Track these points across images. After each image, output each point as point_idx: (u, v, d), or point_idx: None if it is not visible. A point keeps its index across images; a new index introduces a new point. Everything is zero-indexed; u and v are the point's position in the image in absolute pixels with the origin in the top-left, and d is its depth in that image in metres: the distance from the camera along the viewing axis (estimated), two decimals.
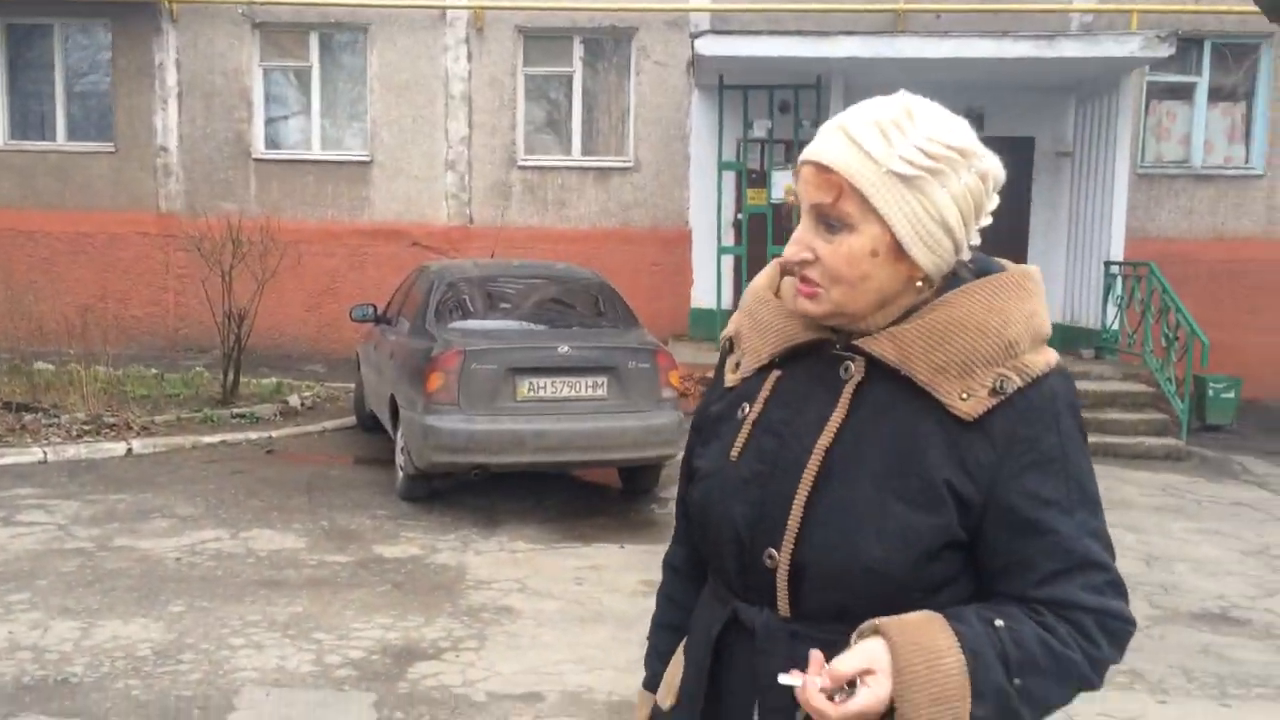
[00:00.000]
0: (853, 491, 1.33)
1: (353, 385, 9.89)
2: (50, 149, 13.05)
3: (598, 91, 13.17)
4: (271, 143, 13.21)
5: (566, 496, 7.42)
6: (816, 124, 11.34)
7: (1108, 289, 11.37)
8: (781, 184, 11.61)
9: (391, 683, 4.29)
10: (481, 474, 6.78)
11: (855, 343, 1.37)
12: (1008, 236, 12.59)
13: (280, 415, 9.62)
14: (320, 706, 4.07)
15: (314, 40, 12.96)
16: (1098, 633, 1.31)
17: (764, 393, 1.43)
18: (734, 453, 1.42)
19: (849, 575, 1.31)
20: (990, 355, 1.31)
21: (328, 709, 4.05)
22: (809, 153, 1.34)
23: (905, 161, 1.29)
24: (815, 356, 1.41)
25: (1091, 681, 1.33)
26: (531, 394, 6.65)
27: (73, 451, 8.00)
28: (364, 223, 12.91)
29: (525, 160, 12.90)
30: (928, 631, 1.26)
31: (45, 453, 7.89)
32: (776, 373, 1.44)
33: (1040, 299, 1.38)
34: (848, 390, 1.37)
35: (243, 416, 9.35)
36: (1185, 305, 10.27)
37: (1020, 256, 12.64)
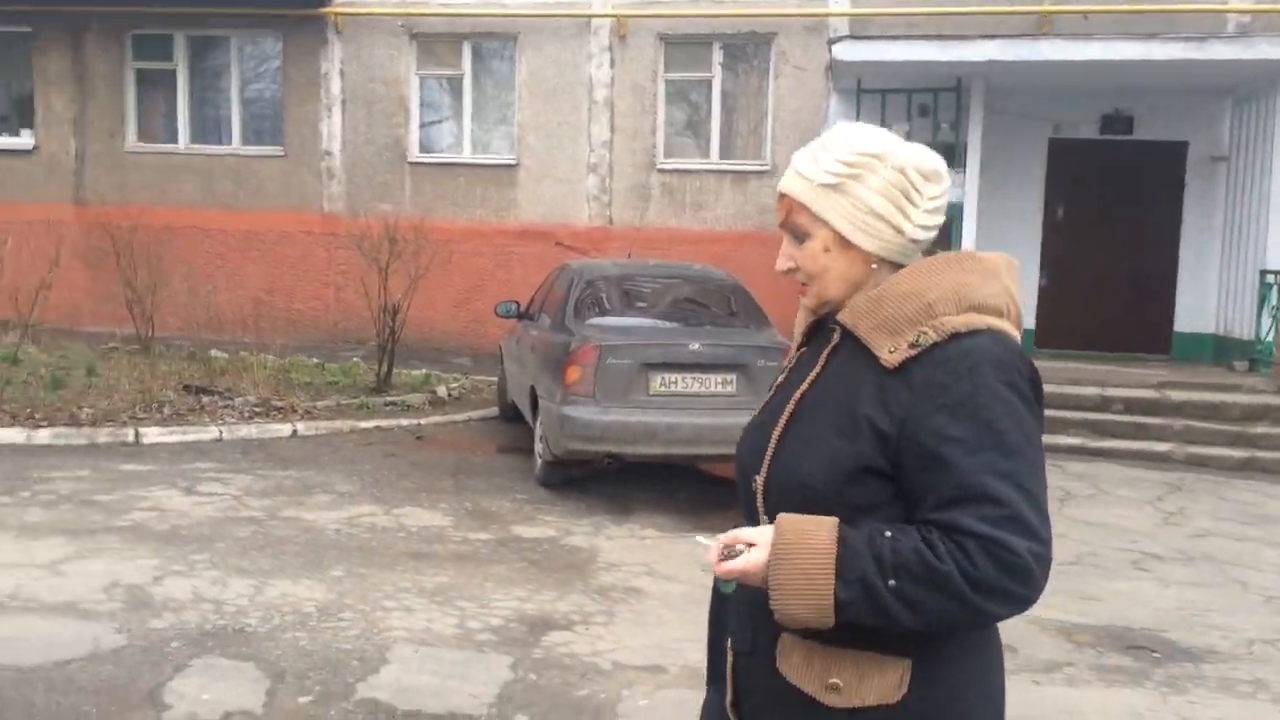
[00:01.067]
0: (807, 426, 1.66)
1: (496, 378, 10.40)
2: (226, 152, 14.06)
3: (736, 96, 13.42)
4: (426, 147, 13.91)
5: (696, 489, 7.71)
6: (955, 127, 11.46)
7: (1263, 299, 10.96)
8: None
9: (526, 648, 4.66)
10: (614, 463, 7.12)
11: (836, 316, 1.71)
12: (1156, 243, 12.29)
13: (429, 404, 10.21)
14: (462, 665, 4.46)
15: (467, 49, 13.61)
16: (980, 556, 1.48)
17: (789, 364, 1.81)
18: (759, 410, 1.79)
19: (791, 490, 1.64)
20: (912, 316, 1.60)
21: (469, 667, 4.44)
22: (779, 186, 1.73)
23: (828, 173, 1.65)
24: (821, 333, 1.76)
25: (975, 600, 1.49)
26: (663, 388, 6.96)
27: (244, 431, 8.72)
28: (510, 223, 13.48)
29: (664, 163, 13.25)
30: (812, 522, 1.56)
31: (221, 432, 8.62)
32: (802, 349, 1.80)
33: (979, 274, 1.65)
34: (825, 353, 1.72)
35: (395, 405, 9.97)
36: None
37: (1170, 263, 12.35)
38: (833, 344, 1.71)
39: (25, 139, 14.26)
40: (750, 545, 1.60)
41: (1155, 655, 4.88)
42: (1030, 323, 12.67)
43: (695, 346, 7.05)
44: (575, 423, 6.90)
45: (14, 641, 4.50)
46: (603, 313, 7.71)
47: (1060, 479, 8.41)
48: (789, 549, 1.55)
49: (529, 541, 6.24)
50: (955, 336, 1.57)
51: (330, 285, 13.78)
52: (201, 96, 14.33)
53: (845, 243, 1.67)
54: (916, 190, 1.65)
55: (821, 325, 1.78)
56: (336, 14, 13.48)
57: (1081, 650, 4.93)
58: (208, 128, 14.33)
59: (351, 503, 6.89)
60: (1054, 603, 5.53)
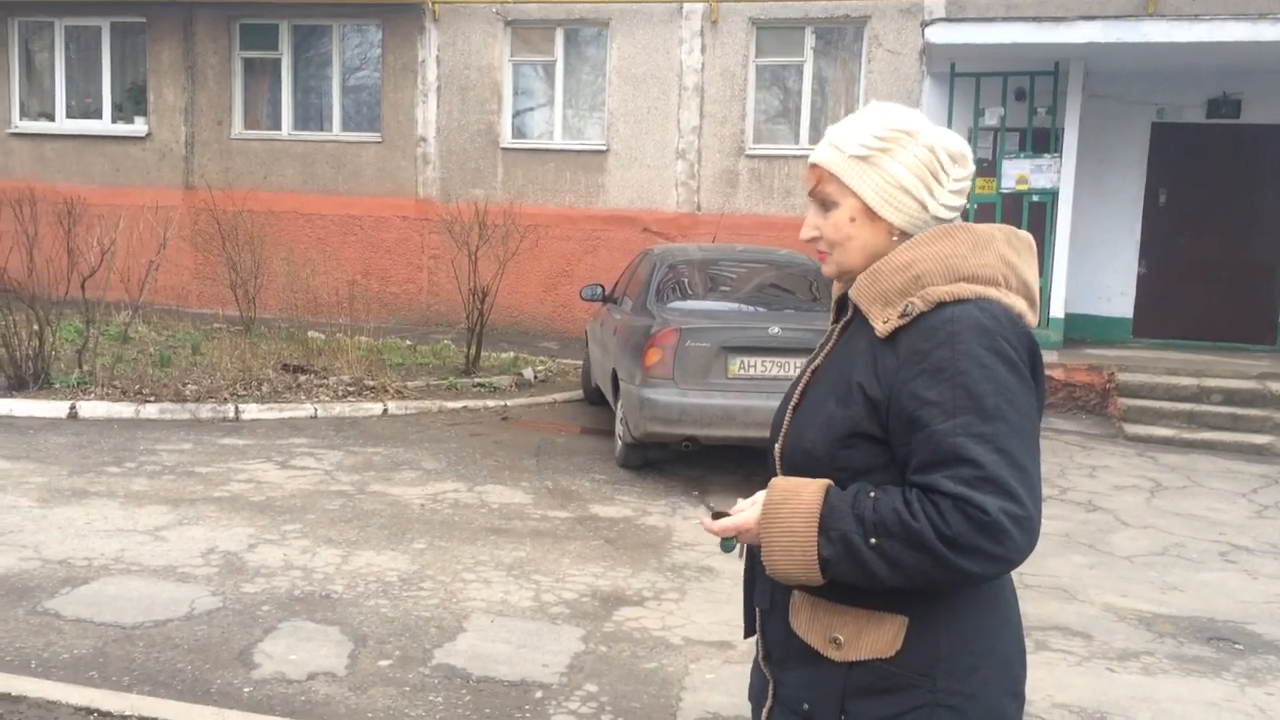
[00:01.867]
0: (815, 396, 1.77)
1: (581, 362, 10.55)
2: (327, 139, 14.47)
3: (828, 80, 13.31)
4: (518, 132, 14.12)
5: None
6: (1052, 112, 11.19)
7: None
8: (1013, 173, 11.40)
9: (599, 622, 4.77)
10: (692, 446, 7.18)
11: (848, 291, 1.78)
12: (1263, 230, 11.83)
13: (516, 386, 10.41)
14: (536, 635, 4.59)
15: (559, 36, 13.76)
16: (953, 514, 1.53)
17: (819, 340, 1.88)
18: (797, 371, 1.90)
19: (796, 456, 1.74)
20: (903, 287, 1.68)
21: (542, 638, 4.57)
22: (810, 157, 1.80)
23: (861, 145, 1.72)
24: (843, 308, 1.83)
25: (950, 558, 1.54)
26: (742, 372, 7.00)
27: (338, 409, 9.02)
28: (599, 209, 13.61)
29: (753, 149, 13.22)
30: (800, 484, 1.67)
31: (315, 409, 8.94)
32: (833, 325, 1.86)
33: (969, 245, 1.69)
34: (839, 326, 1.82)
35: (483, 386, 10.19)
36: None
37: (1277, 251, 11.87)
38: (846, 318, 1.80)
39: (139, 126, 14.89)
40: (741, 508, 1.76)
41: (1238, 647, 4.78)
42: (1128, 311, 12.36)
43: (775, 330, 7.06)
44: (654, 405, 6.98)
45: (117, 601, 4.78)
46: (684, 296, 7.78)
47: (1152, 470, 8.22)
48: (776, 509, 1.66)
49: (606, 520, 6.36)
50: (940, 305, 1.63)
51: (423, 269, 14.11)
52: (304, 84, 14.76)
53: (871, 214, 1.73)
54: (944, 170, 1.72)
55: (846, 300, 1.85)
56: (434, 2, 13.75)
57: (1161, 640, 4.84)
58: (310, 115, 14.76)
59: (437, 479, 7.09)
60: (1134, 592, 5.45)
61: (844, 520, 1.60)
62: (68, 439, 7.74)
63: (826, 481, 1.66)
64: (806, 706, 1.72)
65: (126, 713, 3.74)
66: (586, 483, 7.20)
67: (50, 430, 7.99)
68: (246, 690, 4.00)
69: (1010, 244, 1.73)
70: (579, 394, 10.17)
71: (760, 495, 1.73)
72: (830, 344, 1.81)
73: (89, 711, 3.75)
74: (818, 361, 1.81)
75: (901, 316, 1.65)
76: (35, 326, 8.86)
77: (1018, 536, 1.54)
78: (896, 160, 1.71)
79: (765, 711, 1.84)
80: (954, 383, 1.58)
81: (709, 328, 7.12)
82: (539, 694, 4.05)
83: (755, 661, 1.93)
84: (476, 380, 10.28)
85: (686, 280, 8.00)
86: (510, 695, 4.03)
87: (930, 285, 1.65)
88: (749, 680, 2.00)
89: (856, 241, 1.75)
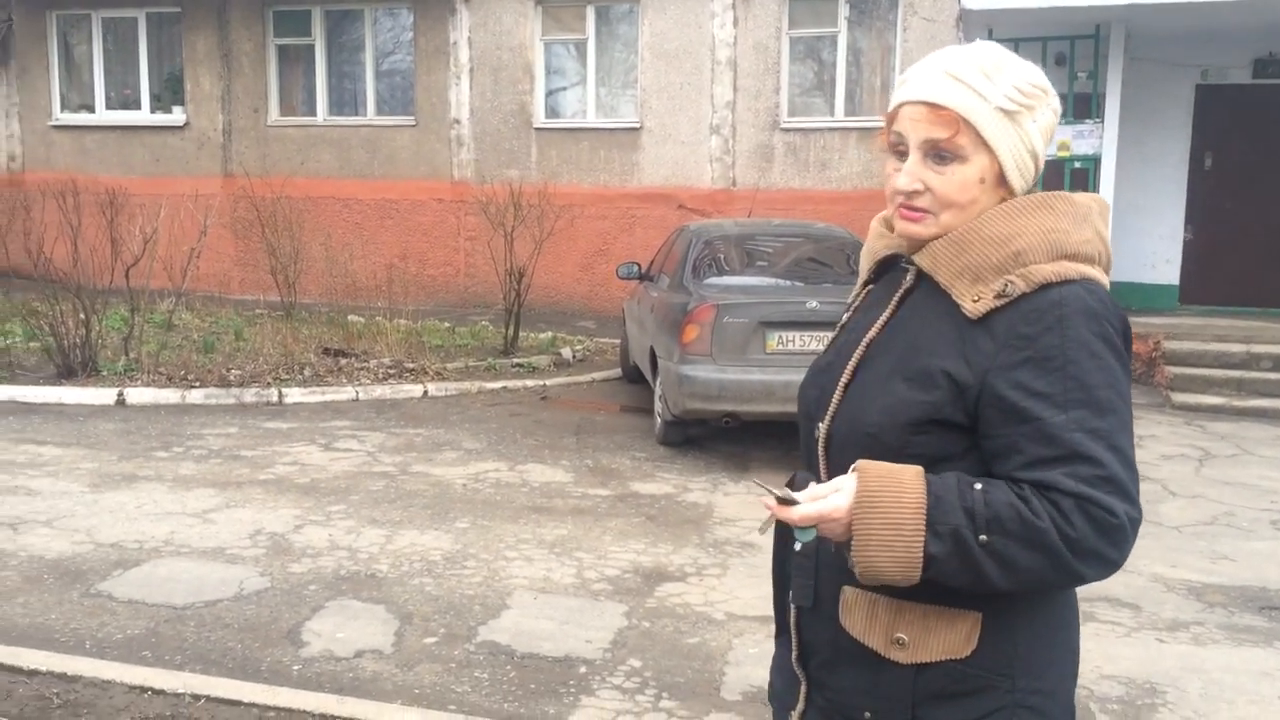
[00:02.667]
0: (875, 374, 1.58)
1: (619, 340, 10.55)
2: (361, 123, 14.54)
3: (863, 51, 13.15)
4: (551, 112, 14.10)
5: None
6: (1093, 76, 10.99)
7: None
8: (1055, 140, 11.21)
9: (641, 598, 4.79)
10: (732, 422, 7.16)
11: (911, 256, 1.62)
12: None
13: (554, 366, 10.44)
14: (578, 611, 4.62)
15: (590, 13, 13.69)
16: (1076, 515, 1.41)
17: (856, 302, 1.73)
18: (822, 350, 1.74)
19: (855, 440, 1.56)
20: (999, 263, 1.51)
21: (585, 614, 4.59)
22: (917, 94, 1.55)
23: (1008, 99, 1.52)
24: (895, 270, 1.68)
25: (1069, 561, 1.42)
26: (780, 347, 6.97)
27: (379, 391, 9.09)
28: (633, 187, 13.57)
29: (788, 122, 13.11)
30: (899, 471, 1.48)
31: (357, 392, 9.02)
32: (870, 286, 1.72)
33: (1071, 218, 1.54)
34: (898, 295, 1.63)
35: (521, 366, 10.22)
36: None
37: None
38: (906, 286, 1.62)
39: (177, 116, 15.04)
40: (821, 495, 1.51)
41: None
42: (1174, 278, 12.15)
43: (813, 305, 7.01)
44: (693, 382, 6.97)
45: (168, 582, 4.86)
46: (721, 272, 7.74)
47: (1201, 439, 8.09)
48: (875, 498, 1.46)
49: (647, 498, 6.37)
50: (1045, 287, 1.48)
51: (460, 251, 14.16)
52: (338, 70, 14.82)
53: (1001, 177, 1.55)
54: (1052, 137, 1.58)
55: (891, 262, 1.69)
56: None
57: (1211, 610, 4.78)
58: (344, 100, 14.83)
59: (478, 459, 7.13)
60: (1183, 562, 5.38)
61: (954, 514, 1.43)
62: (116, 425, 7.87)
63: (921, 469, 1.48)
64: (869, 714, 1.57)
65: (180, 690, 3.81)
66: (627, 460, 7.21)
67: (99, 417, 8.13)
68: (296, 668, 4.05)
69: (1102, 216, 1.58)
70: (617, 372, 10.17)
71: (842, 481, 1.51)
72: (888, 315, 1.61)
73: (143, 690, 3.82)
74: (872, 333, 1.61)
75: (998, 296, 1.49)
76: (82, 315, 9.00)
77: (1132, 540, 1.44)
78: (1034, 121, 1.54)
79: (796, 715, 1.70)
80: (1065, 373, 1.44)
81: (746, 303, 7.08)
82: (583, 669, 4.07)
83: (776, 662, 1.80)
84: (515, 361, 10.32)
85: (723, 256, 7.96)
86: (554, 671, 4.06)
87: (1032, 263, 1.49)
88: (768, 680, 1.85)
89: (978, 206, 1.55)
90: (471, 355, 10.56)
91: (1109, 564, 1.44)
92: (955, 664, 1.52)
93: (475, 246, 13.58)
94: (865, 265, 1.75)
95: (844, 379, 1.61)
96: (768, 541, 1.83)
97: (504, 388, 9.48)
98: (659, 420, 7.66)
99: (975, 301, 1.50)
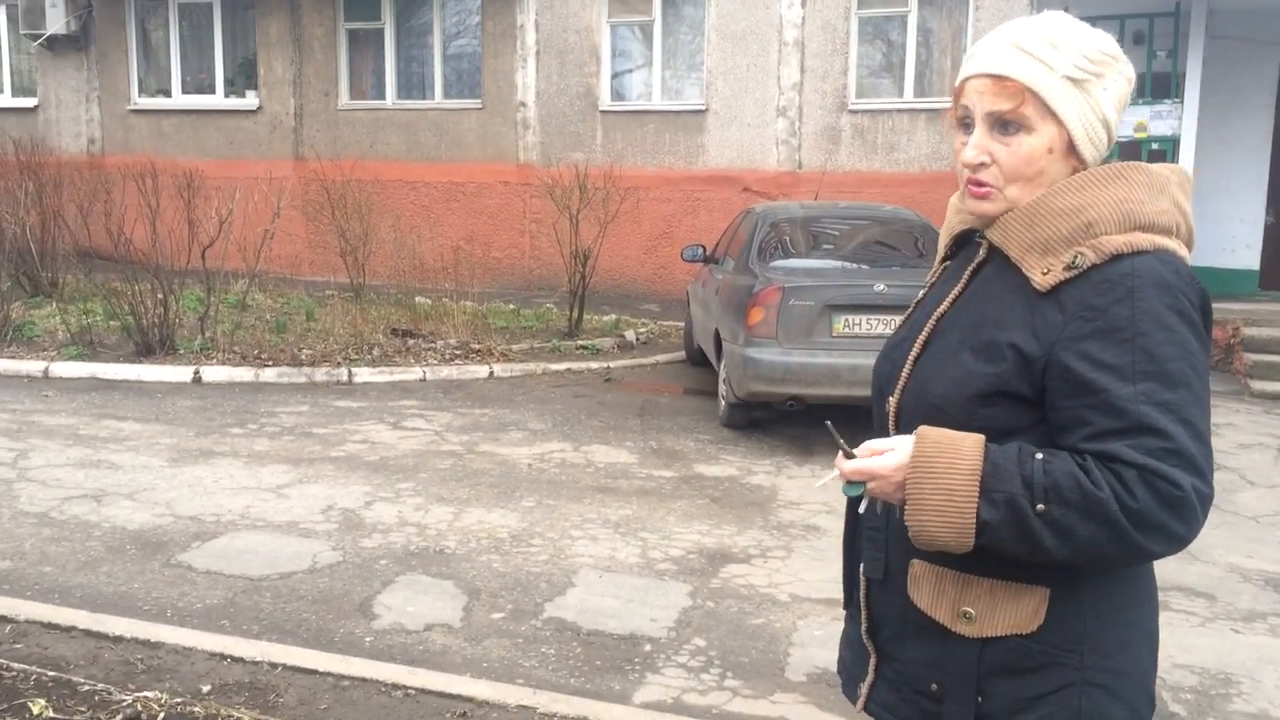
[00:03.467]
0: (944, 347, 1.59)
1: (683, 323, 10.55)
2: (429, 107, 14.68)
3: (933, 31, 12.94)
4: (617, 95, 14.09)
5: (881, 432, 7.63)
6: (1173, 55, 10.72)
7: None
8: (1132, 120, 10.95)
9: (705, 578, 4.81)
10: (796, 405, 7.13)
11: (984, 231, 1.61)
12: None
13: (618, 348, 10.48)
14: (643, 590, 4.66)
15: None
16: (1139, 486, 1.39)
17: (932, 278, 1.74)
18: (898, 324, 1.74)
19: (922, 411, 1.57)
20: (1069, 235, 1.50)
21: (649, 593, 4.63)
22: (982, 67, 1.54)
23: (1076, 67, 1.50)
24: (970, 246, 1.67)
25: (1130, 534, 1.40)
26: (846, 330, 6.92)
27: (446, 372, 9.21)
28: (699, 169, 13.53)
29: (855, 104, 12.96)
30: (957, 437, 1.48)
31: (424, 372, 9.15)
32: (947, 263, 1.73)
33: (1146, 189, 1.51)
34: (970, 269, 1.64)
35: (585, 348, 10.28)
36: None
37: None
38: (978, 260, 1.62)
39: (250, 100, 15.32)
40: (878, 451, 1.55)
41: None
42: (1254, 263, 11.82)
43: (880, 288, 6.96)
44: (758, 364, 6.96)
45: (245, 555, 5.00)
46: (786, 255, 7.70)
47: (1279, 428, 7.88)
48: (930, 462, 1.47)
49: (711, 480, 6.38)
50: (1116, 258, 1.46)
51: (525, 234, 14.25)
52: (406, 54, 14.97)
53: (1070, 147, 1.53)
54: (1126, 106, 1.55)
55: (967, 238, 1.69)
56: None
57: None
58: (412, 83, 14.97)
59: (543, 440, 7.20)
60: (1260, 552, 5.26)
61: (1010, 481, 1.43)
62: (193, 402, 8.08)
63: (981, 437, 1.48)
64: (935, 687, 1.58)
65: (257, 659, 3.92)
66: (690, 442, 7.23)
67: (176, 394, 8.36)
68: (368, 640, 4.15)
69: (1182, 187, 1.55)
70: (681, 355, 10.18)
71: (900, 440, 1.53)
72: (959, 289, 1.62)
73: (222, 657, 3.94)
74: (943, 308, 1.62)
75: (1068, 269, 1.48)
76: (160, 295, 9.24)
77: (1201, 516, 1.41)
78: (1105, 90, 1.51)
79: (866, 687, 1.71)
80: (1134, 345, 1.42)
81: (812, 286, 7.05)
82: (648, 647, 4.11)
83: (846, 635, 1.81)
84: (579, 343, 10.38)
85: (789, 238, 7.92)
86: (620, 648, 4.10)
87: (1103, 234, 1.48)
88: (838, 654, 1.86)
89: (1047, 177, 1.53)
90: (536, 337, 10.65)
91: (1175, 539, 1.41)
92: (1021, 639, 1.52)
93: (540, 229, 13.66)
94: (943, 241, 1.76)
95: (914, 352, 1.62)
96: (832, 526, 1.86)
97: (568, 369, 9.54)
98: (723, 403, 7.66)
99: (1045, 274, 1.49)
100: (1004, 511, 1.43)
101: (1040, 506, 1.41)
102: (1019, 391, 1.50)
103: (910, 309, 1.75)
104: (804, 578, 4.84)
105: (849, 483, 1.56)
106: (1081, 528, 1.41)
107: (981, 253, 1.63)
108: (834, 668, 1.90)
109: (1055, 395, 1.47)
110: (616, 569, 4.90)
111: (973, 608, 1.54)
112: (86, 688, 3.62)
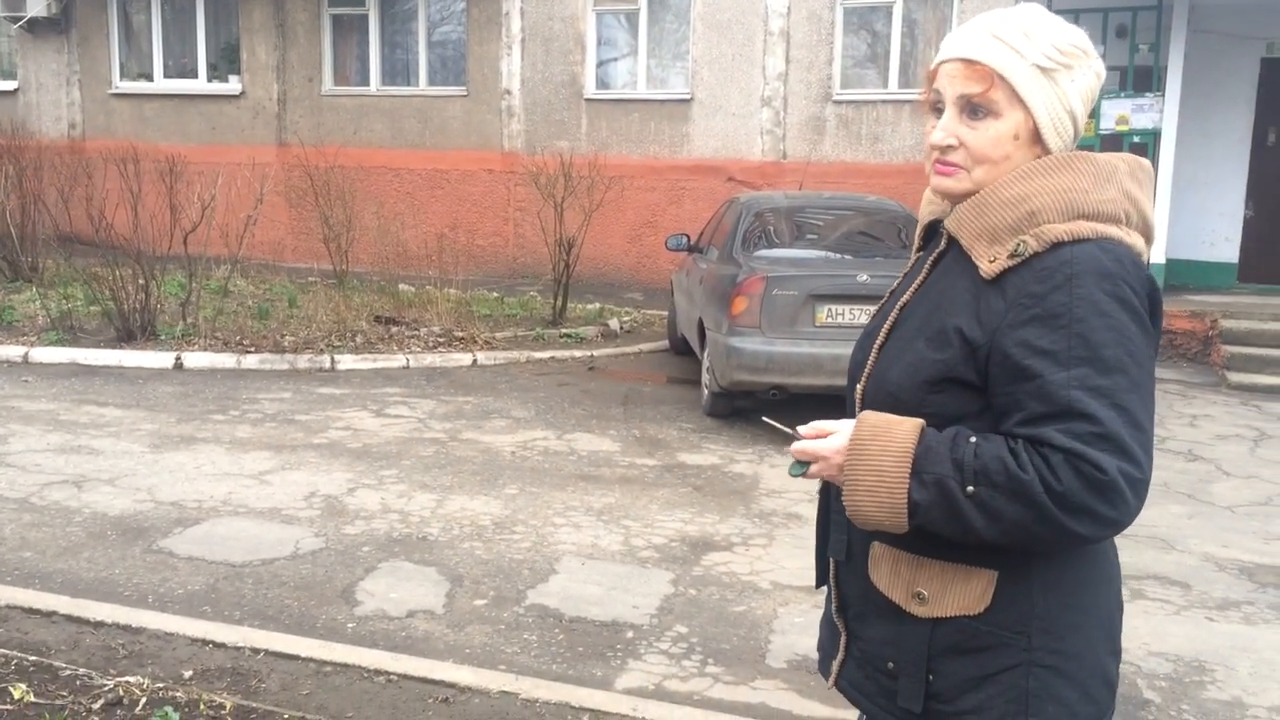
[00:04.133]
0: (902, 335, 1.64)
1: (667, 312, 10.57)
2: (413, 94, 14.61)
3: (918, 22, 12.97)
4: (602, 83, 14.07)
5: None
6: (1155, 49, 10.77)
7: None
8: (1113, 113, 11.02)
9: (687, 566, 4.84)
10: (779, 394, 7.16)
11: (943, 220, 1.65)
12: None
13: (601, 337, 10.50)
14: (626, 578, 4.68)
15: None
16: (1065, 470, 1.42)
17: (904, 268, 1.77)
18: (871, 316, 1.78)
19: (880, 398, 1.62)
20: (1014, 223, 1.54)
21: (632, 580, 4.65)
22: (956, 51, 1.58)
23: (1046, 56, 1.54)
24: (934, 238, 1.71)
25: (1056, 515, 1.43)
26: (830, 320, 6.95)
27: (429, 360, 9.21)
28: (683, 158, 13.53)
29: (840, 95, 12.98)
30: (894, 421, 1.54)
31: (407, 360, 9.13)
32: (920, 254, 1.76)
33: (1091, 178, 1.54)
34: (931, 259, 1.68)
35: (569, 337, 10.29)
36: None
37: None
38: (939, 249, 1.66)
39: (233, 85, 15.22)
40: (824, 433, 1.62)
41: None
42: (1233, 256, 11.92)
43: (863, 278, 6.99)
44: (741, 354, 6.98)
45: (227, 541, 4.99)
46: (770, 244, 7.73)
47: (1257, 419, 7.96)
48: (865, 444, 1.53)
49: (693, 468, 6.41)
50: (1057, 245, 1.49)
51: (509, 222, 14.23)
52: (391, 40, 14.89)
53: (1036, 135, 1.56)
54: (1095, 101, 1.58)
55: (936, 228, 1.72)
56: None
57: (1263, 590, 4.73)
58: (396, 70, 14.91)
59: (526, 427, 7.21)
60: (1235, 542, 5.33)
61: (940, 464, 1.48)
62: (174, 388, 8.05)
63: (921, 421, 1.53)
64: (891, 665, 1.63)
65: (239, 644, 3.92)
66: (674, 431, 7.25)
67: (158, 380, 8.32)
68: (350, 626, 4.16)
69: (1133, 176, 1.57)
70: (664, 344, 10.20)
71: (845, 424, 1.60)
72: (921, 278, 1.67)
73: (204, 642, 3.94)
74: (906, 297, 1.66)
75: (1011, 257, 1.52)
76: (141, 281, 9.19)
77: (1131, 500, 1.44)
78: (1073, 81, 1.55)
79: (836, 665, 1.76)
80: (1070, 331, 1.45)
81: (796, 275, 7.07)
82: (630, 634, 4.13)
83: (825, 614, 1.84)
84: (563, 331, 10.38)
85: (773, 228, 7.95)
86: (602, 635, 4.12)
87: (1046, 223, 1.51)
88: (818, 633, 1.90)
89: (1011, 163, 1.56)
90: (520, 325, 10.64)
91: (1103, 522, 1.44)
92: (969, 620, 1.56)
93: (525, 217, 13.64)
94: (916, 233, 1.80)
95: (879, 341, 1.67)
96: (813, 513, 1.88)
97: (552, 358, 9.55)
98: (706, 392, 7.68)
99: (991, 262, 1.53)
100: (934, 493, 1.48)
101: (970, 489, 1.46)
102: (966, 378, 1.54)
103: (884, 299, 1.78)
104: (785, 565, 4.88)
105: (795, 462, 1.64)
106: (1008, 509, 1.44)
107: (943, 242, 1.66)
108: (814, 655, 1.93)
109: (996, 381, 1.51)
110: (599, 556, 4.92)
111: (925, 589, 1.58)
112: (68, 672, 3.62)
